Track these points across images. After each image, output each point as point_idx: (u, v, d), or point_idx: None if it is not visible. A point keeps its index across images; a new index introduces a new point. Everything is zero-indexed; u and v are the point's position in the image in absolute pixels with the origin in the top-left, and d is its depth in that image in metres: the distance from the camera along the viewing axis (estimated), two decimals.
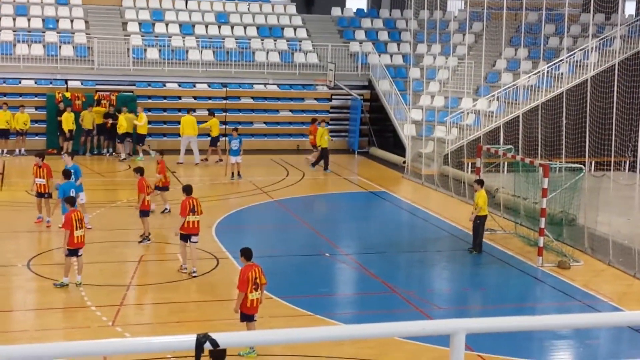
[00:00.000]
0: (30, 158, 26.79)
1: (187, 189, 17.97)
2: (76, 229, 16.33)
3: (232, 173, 28.05)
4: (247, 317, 13.49)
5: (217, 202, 24.47)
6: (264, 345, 12.58)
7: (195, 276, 17.47)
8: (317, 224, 22.70)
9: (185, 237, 17.50)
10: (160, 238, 20.00)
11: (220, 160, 30.72)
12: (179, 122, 31.52)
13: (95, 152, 31.79)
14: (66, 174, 19.53)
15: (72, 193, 18.78)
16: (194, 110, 32.28)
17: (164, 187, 22.59)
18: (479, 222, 19.92)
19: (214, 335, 3.70)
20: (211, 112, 31.99)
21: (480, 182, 20.31)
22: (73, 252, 16.43)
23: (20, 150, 30.91)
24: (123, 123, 30.67)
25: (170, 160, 30.88)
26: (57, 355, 3.71)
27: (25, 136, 31.19)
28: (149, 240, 19.81)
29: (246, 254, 13.65)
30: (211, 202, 24.28)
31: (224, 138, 31.96)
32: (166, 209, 22.67)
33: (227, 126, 34.03)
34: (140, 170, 20.06)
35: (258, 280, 13.39)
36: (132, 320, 15.12)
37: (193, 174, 28.84)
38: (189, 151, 30.81)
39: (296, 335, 4.03)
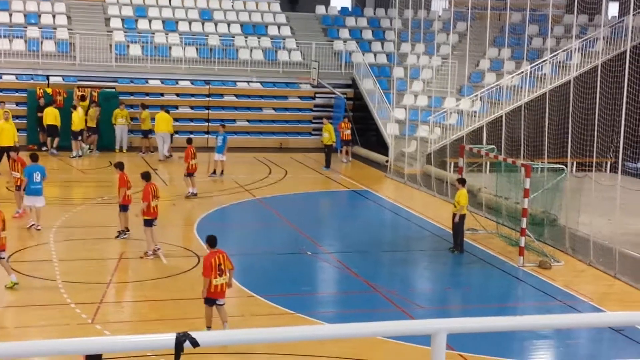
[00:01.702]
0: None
1: (146, 176, 18.72)
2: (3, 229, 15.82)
3: (215, 170, 27.88)
4: (209, 301, 13.79)
5: (199, 200, 24.38)
6: (244, 344, 12.54)
7: (150, 258, 18.19)
8: (299, 222, 22.66)
9: (149, 222, 18.28)
10: (141, 235, 19.87)
11: (149, 151, 31.45)
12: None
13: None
14: (34, 157, 20.18)
15: (37, 176, 19.60)
16: (175, 107, 32.16)
17: (190, 174, 24.41)
18: (458, 222, 19.98)
19: (193, 334, 3.67)
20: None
21: (462, 181, 20.37)
22: None
23: None
24: (75, 119, 30.42)
25: (152, 158, 30.86)
26: (35, 353, 3.66)
27: None
28: (125, 234, 19.77)
29: (210, 241, 14.02)
30: (193, 200, 24.22)
31: (207, 136, 31.69)
32: (193, 192, 24.36)
33: (209, 124, 33.96)
34: (120, 166, 20.09)
35: (222, 266, 13.70)
36: (111, 318, 15.03)
37: (175, 171, 28.61)
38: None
39: (277, 334, 4.00)
